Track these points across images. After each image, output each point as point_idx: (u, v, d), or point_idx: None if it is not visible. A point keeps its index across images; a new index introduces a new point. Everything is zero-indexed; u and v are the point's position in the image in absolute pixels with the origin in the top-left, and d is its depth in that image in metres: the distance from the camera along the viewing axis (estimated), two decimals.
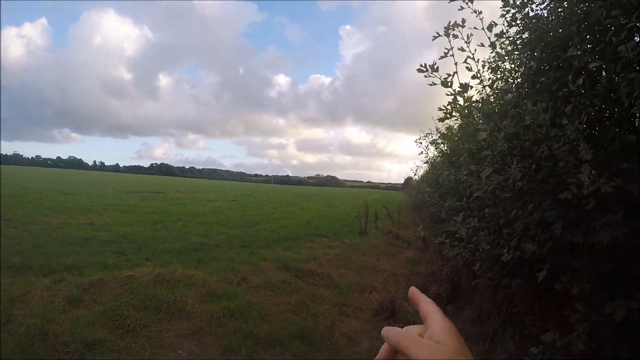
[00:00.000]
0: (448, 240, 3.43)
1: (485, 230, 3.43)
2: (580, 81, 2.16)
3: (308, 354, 4.97)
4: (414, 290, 0.72)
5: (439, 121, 2.99)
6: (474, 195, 3.65)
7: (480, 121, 2.95)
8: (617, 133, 2.23)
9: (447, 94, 2.70)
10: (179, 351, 4.80)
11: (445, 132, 7.88)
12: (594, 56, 2.31)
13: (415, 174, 18.77)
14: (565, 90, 2.36)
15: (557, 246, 2.52)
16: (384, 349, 0.67)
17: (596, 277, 2.40)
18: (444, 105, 2.78)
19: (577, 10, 2.78)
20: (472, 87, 2.74)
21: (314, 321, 5.86)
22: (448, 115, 2.82)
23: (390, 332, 0.66)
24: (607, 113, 2.34)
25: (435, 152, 11.87)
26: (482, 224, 3.42)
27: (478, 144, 3.35)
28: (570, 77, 2.23)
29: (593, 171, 1.87)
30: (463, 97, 2.70)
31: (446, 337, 0.61)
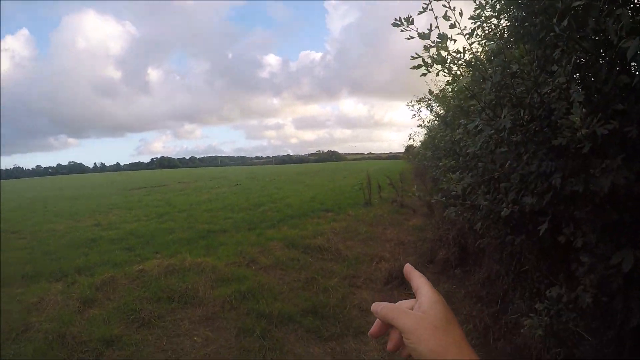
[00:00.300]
0: (444, 198, 3.42)
1: (482, 186, 3.42)
2: (565, 23, 2.09)
3: (321, 328, 5.03)
4: (408, 267, 0.79)
5: (414, 68, 2.85)
6: (468, 151, 3.63)
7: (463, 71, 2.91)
8: (610, 74, 2.16)
9: (426, 47, 2.62)
10: (195, 338, 4.87)
11: (438, 93, 7.82)
12: None
13: (412, 140, 18.67)
14: (551, 34, 2.27)
15: (557, 197, 2.46)
16: (376, 324, 0.74)
17: (601, 227, 2.33)
18: (416, 53, 2.65)
19: None
20: (451, 38, 2.66)
21: (325, 295, 5.93)
22: (425, 67, 2.72)
23: (379, 307, 0.73)
24: (598, 55, 2.26)
25: (431, 116, 11.84)
26: (478, 180, 3.39)
27: (465, 95, 3.25)
28: (554, 20, 2.15)
29: (584, 109, 1.82)
30: (443, 47, 2.61)
31: (432, 307, 0.68)
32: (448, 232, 7.60)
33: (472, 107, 3.31)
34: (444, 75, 2.87)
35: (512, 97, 2.56)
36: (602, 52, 2.25)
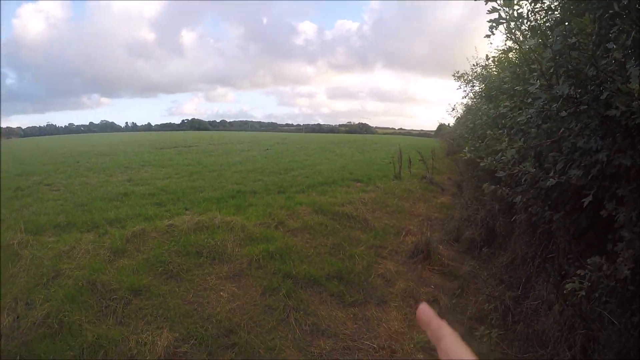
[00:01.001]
0: (493, 161, 3.38)
1: (531, 153, 3.41)
2: (625, 1, 2.09)
3: (345, 293, 5.12)
4: (424, 310, 0.65)
5: (486, 37, 2.86)
6: (518, 120, 3.62)
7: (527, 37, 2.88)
8: None
9: (489, 10, 2.60)
10: (221, 292, 4.98)
11: (482, 67, 7.72)
12: None
13: (455, 111, 18.33)
14: (610, 12, 2.27)
15: (603, 172, 2.48)
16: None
17: None
18: (493, 7, 2.62)
19: None
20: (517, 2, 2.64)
21: (350, 262, 5.99)
22: (495, 26, 2.71)
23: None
24: None
25: (472, 95, 11.70)
26: (528, 146, 3.35)
27: (526, 59, 3.24)
28: None
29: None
30: (510, 4, 2.58)
31: None
32: (477, 212, 7.56)
33: (527, 75, 3.30)
34: (507, 39, 2.87)
35: (569, 68, 2.53)
36: None
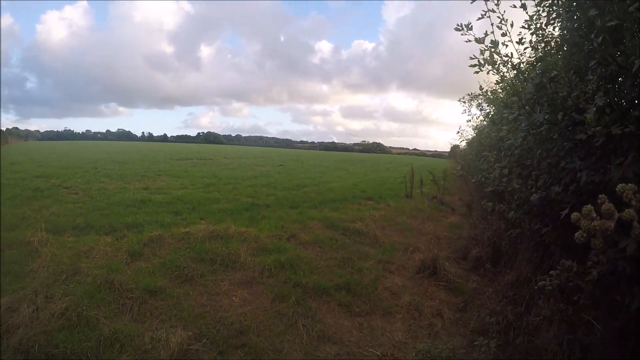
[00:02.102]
0: (482, 178, 3.78)
1: (515, 170, 3.73)
2: (599, 39, 2.40)
3: (352, 304, 5.30)
4: None
5: (471, 67, 3.44)
6: (508, 142, 3.95)
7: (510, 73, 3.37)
8: (633, 87, 2.46)
9: (481, 50, 3.11)
10: (233, 298, 5.17)
11: (488, 91, 7.94)
12: (611, 16, 2.51)
13: (460, 135, 18.58)
14: (591, 47, 2.59)
15: (580, 189, 2.76)
16: None
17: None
18: (473, 55, 3.20)
19: None
20: (504, 43, 3.16)
21: (359, 275, 6.17)
22: (479, 67, 3.23)
23: None
24: (627, 68, 2.52)
25: (481, 116, 11.92)
26: (512, 164, 3.73)
27: (508, 92, 3.86)
28: (592, 36, 2.48)
29: (606, 112, 2.13)
30: (495, 52, 3.08)
31: None
32: (484, 232, 7.71)
33: (515, 104, 3.68)
34: (493, 74, 3.40)
35: (549, 98, 2.90)
36: (630, 67, 2.49)
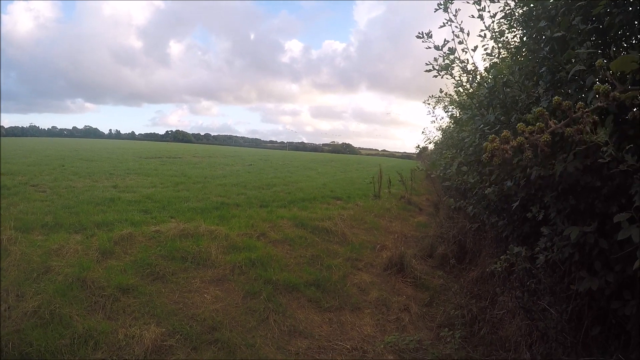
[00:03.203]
0: (441, 174, 4.15)
1: (471, 166, 4.04)
2: (547, 49, 2.70)
3: (322, 299, 5.45)
4: None
5: (426, 72, 3.91)
6: (465, 140, 4.23)
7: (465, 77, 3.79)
8: (579, 90, 2.80)
9: (438, 57, 3.54)
10: (205, 295, 5.26)
11: (452, 94, 8.20)
12: (558, 28, 2.81)
13: (425, 135, 18.97)
14: (540, 55, 2.89)
15: (530, 183, 3.04)
16: None
17: (562, 210, 2.89)
18: (428, 61, 3.66)
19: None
20: (464, 50, 3.56)
21: (328, 272, 6.32)
22: (435, 70, 3.65)
23: None
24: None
25: (447, 117, 12.21)
26: (467, 160, 4.08)
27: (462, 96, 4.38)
28: (542, 45, 2.77)
29: (541, 110, 2.41)
30: (450, 59, 3.48)
31: None
32: (449, 230, 7.96)
33: (471, 106, 4.01)
34: (447, 79, 3.83)
35: (501, 100, 3.25)
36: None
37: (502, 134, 1.52)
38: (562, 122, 1.59)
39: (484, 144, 1.52)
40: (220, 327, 4.51)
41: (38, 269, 5.36)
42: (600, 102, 1.51)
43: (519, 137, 1.52)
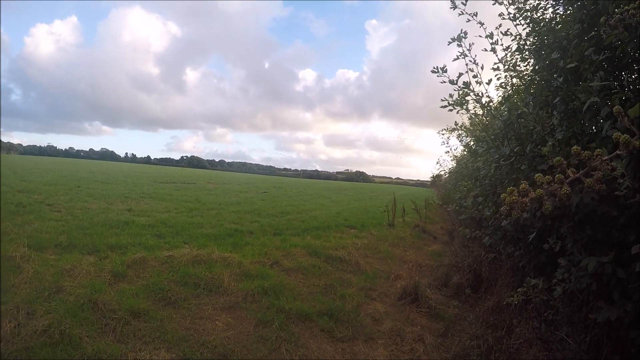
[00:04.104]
0: (457, 207, 4.12)
1: (487, 198, 4.03)
2: (561, 79, 2.71)
3: (335, 329, 5.35)
4: None
5: (442, 107, 3.97)
6: (481, 173, 4.21)
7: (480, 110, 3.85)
8: (593, 121, 2.81)
9: (454, 90, 3.60)
10: (217, 322, 5.19)
11: (466, 125, 8.22)
12: (571, 59, 2.81)
13: (440, 165, 19.04)
14: (554, 85, 2.92)
15: (545, 214, 3.02)
16: None
17: (579, 240, 2.86)
18: (444, 97, 3.70)
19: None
20: (478, 82, 3.61)
21: (341, 301, 6.23)
22: (450, 105, 3.70)
23: None
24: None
25: (461, 146, 12.20)
26: (483, 192, 4.07)
27: (478, 129, 4.48)
28: (555, 75, 2.79)
29: (556, 146, 2.41)
30: (465, 93, 3.53)
31: None
32: (464, 259, 7.85)
33: (486, 139, 4.02)
34: (462, 114, 3.89)
35: (516, 132, 3.26)
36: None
37: (521, 187, 1.52)
38: (581, 171, 1.61)
39: (501, 195, 1.52)
40: (232, 355, 4.44)
41: (50, 288, 5.36)
42: (620, 150, 1.51)
43: (537, 190, 1.53)
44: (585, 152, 1.56)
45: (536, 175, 1.56)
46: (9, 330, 4.15)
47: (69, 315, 4.62)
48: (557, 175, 1.55)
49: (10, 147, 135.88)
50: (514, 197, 1.47)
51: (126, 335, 4.59)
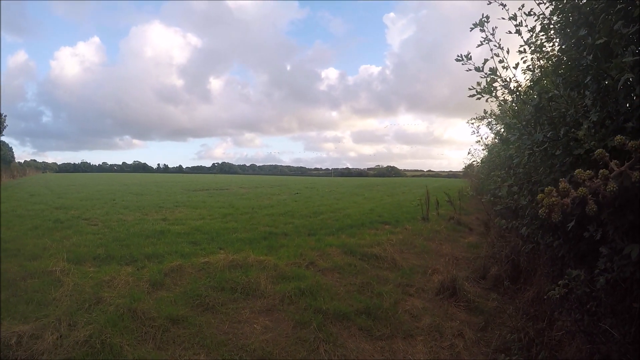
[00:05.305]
0: (492, 198, 3.99)
1: (523, 187, 3.89)
2: (590, 57, 2.56)
3: (373, 328, 5.31)
4: None
5: (470, 97, 3.80)
6: (514, 161, 4.08)
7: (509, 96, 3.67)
8: (629, 97, 2.65)
9: (481, 77, 3.42)
10: (255, 325, 5.21)
11: (496, 112, 8.07)
12: (599, 34, 2.68)
13: (471, 155, 18.83)
14: (583, 63, 2.76)
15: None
16: None
17: (619, 226, 2.73)
18: (472, 86, 3.53)
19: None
20: (504, 67, 3.47)
21: (378, 299, 6.18)
22: (479, 94, 3.52)
23: None
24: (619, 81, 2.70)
25: (491, 134, 12.00)
26: (518, 182, 3.92)
27: (509, 115, 4.24)
28: (584, 53, 2.64)
29: (601, 126, 2.28)
30: (492, 79, 3.38)
31: None
32: (501, 250, 7.70)
33: (517, 125, 3.89)
34: (492, 102, 3.71)
35: (549, 117, 3.11)
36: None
37: (560, 186, 1.43)
38: (627, 163, 1.50)
39: (538, 196, 1.44)
40: (270, 358, 4.44)
41: (90, 299, 5.49)
42: None
43: (580, 189, 1.42)
44: (631, 142, 1.45)
45: (576, 171, 1.47)
46: (51, 342, 4.24)
47: (109, 325, 4.70)
48: (601, 171, 1.45)
49: (46, 166, 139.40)
50: (553, 199, 1.40)
51: (166, 342, 4.65)
